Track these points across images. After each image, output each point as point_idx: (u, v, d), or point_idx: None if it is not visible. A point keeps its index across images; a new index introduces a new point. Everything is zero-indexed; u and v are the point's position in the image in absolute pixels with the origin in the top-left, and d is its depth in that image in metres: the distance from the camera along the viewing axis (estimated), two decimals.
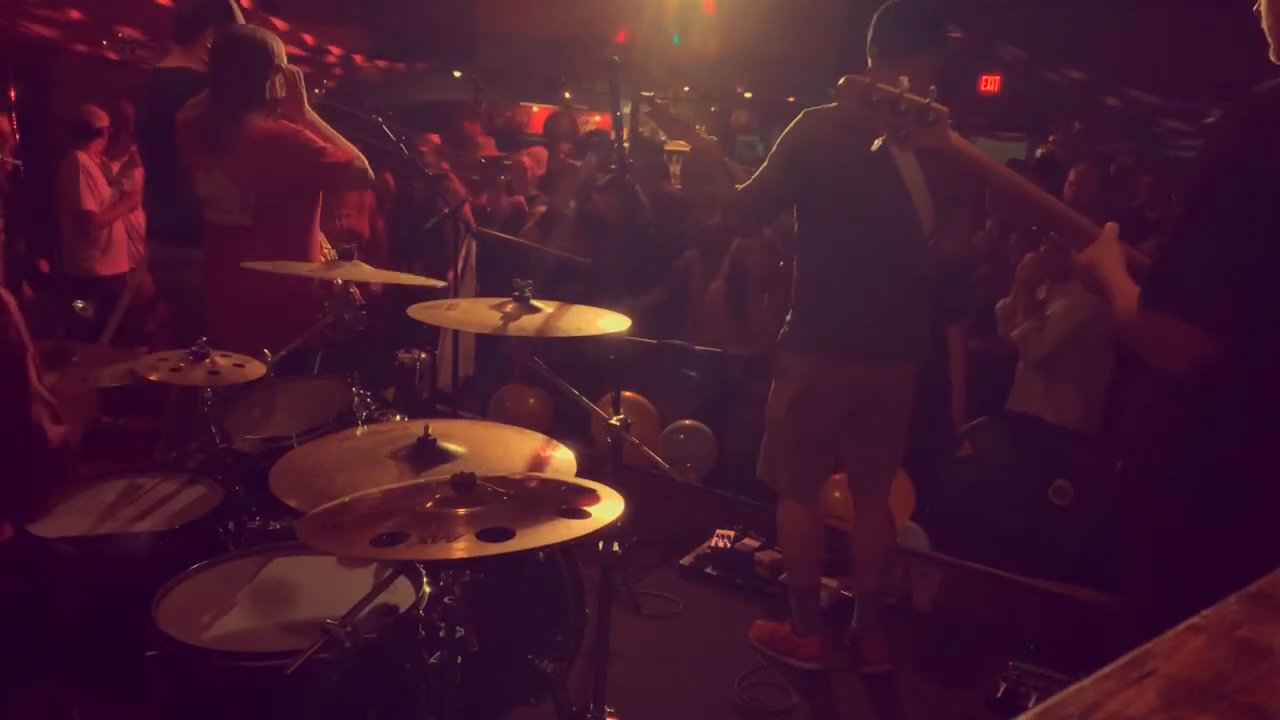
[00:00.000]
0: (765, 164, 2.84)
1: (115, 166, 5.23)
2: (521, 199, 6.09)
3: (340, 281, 2.80)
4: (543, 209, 5.64)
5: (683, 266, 5.35)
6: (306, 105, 3.08)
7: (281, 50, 3.03)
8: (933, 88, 1.70)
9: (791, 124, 2.80)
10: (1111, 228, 1.68)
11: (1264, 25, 1.53)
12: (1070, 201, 4.47)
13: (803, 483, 3.02)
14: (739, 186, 2.87)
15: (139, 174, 5.15)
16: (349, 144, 3.09)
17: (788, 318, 2.96)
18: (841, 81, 1.73)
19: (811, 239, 2.87)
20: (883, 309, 2.80)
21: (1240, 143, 1.40)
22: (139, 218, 5.04)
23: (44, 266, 4.66)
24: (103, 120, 5.16)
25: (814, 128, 2.75)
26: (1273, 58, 1.51)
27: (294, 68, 3.05)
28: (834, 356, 2.83)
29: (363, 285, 3.28)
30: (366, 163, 3.07)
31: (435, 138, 6.63)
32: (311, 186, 3.05)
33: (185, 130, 3.06)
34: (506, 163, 6.92)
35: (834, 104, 2.68)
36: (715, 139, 2.96)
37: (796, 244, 2.94)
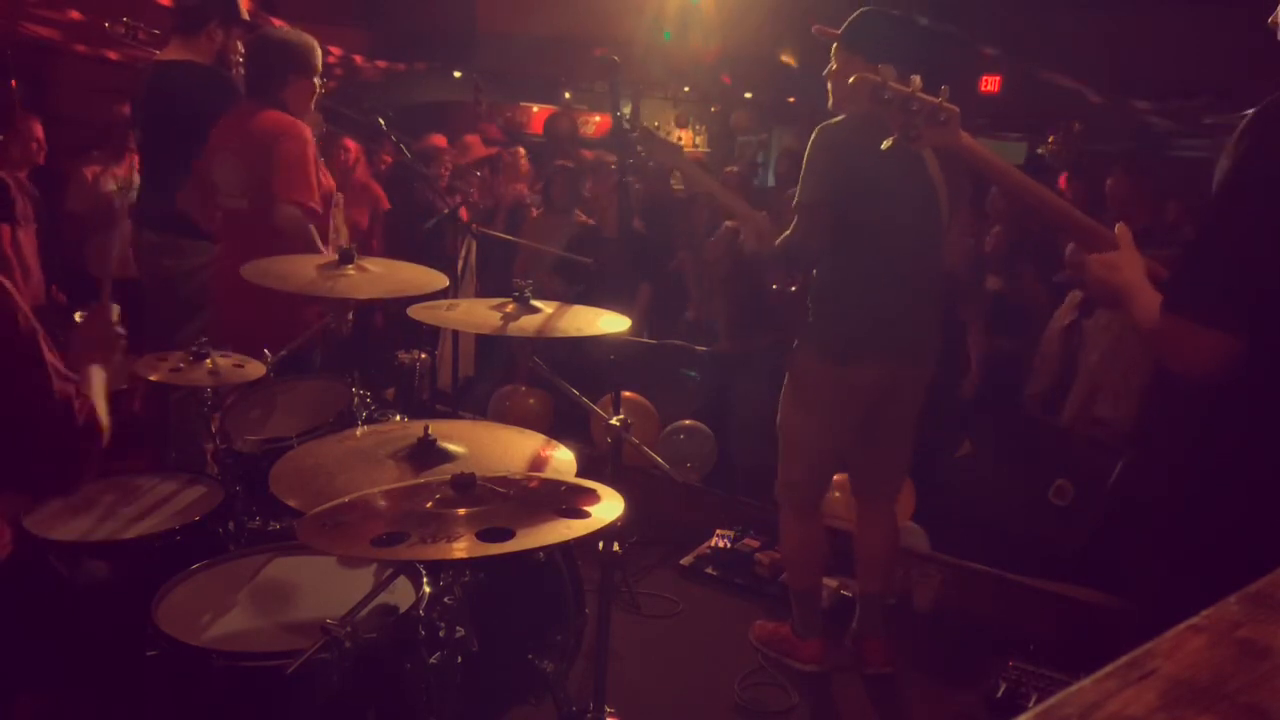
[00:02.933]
0: (802, 190, 2.73)
1: (119, 170, 5.21)
2: (523, 188, 6.06)
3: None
4: (537, 211, 5.64)
5: (676, 268, 5.36)
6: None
7: (313, 61, 3.09)
8: (945, 87, 1.70)
9: (813, 141, 2.73)
10: (1124, 231, 1.67)
11: None
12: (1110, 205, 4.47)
13: (815, 491, 3.01)
14: (783, 237, 2.78)
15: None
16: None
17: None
18: (853, 79, 1.73)
19: (841, 240, 2.77)
20: (908, 307, 2.77)
21: (1266, 147, 1.39)
22: None
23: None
24: (110, 124, 5.16)
25: (837, 137, 2.69)
26: None
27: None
28: (860, 357, 2.77)
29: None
30: (311, 235, 2.97)
31: (442, 140, 6.57)
32: (264, 185, 2.98)
33: (224, 121, 3.10)
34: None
35: (838, 117, 2.69)
36: (702, 168, 2.91)
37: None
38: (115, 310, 2.04)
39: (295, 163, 2.94)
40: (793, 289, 2.96)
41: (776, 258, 2.84)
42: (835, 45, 2.76)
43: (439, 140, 6.23)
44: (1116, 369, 3.71)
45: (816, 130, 2.74)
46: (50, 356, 1.56)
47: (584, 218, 5.35)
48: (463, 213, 4.79)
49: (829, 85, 2.80)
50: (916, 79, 1.68)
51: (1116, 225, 1.69)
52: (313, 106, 3.16)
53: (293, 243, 2.87)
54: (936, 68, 2.63)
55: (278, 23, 6.61)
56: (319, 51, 3.13)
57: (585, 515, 1.50)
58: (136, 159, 5.10)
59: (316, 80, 3.13)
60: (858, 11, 2.73)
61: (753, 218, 2.89)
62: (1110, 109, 7.68)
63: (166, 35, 3.54)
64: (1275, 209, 1.36)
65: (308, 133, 3.00)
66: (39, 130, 4.74)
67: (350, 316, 3.16)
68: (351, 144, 5.55)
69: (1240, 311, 1.39)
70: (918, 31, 2.71)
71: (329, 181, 3.16)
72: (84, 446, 1.62)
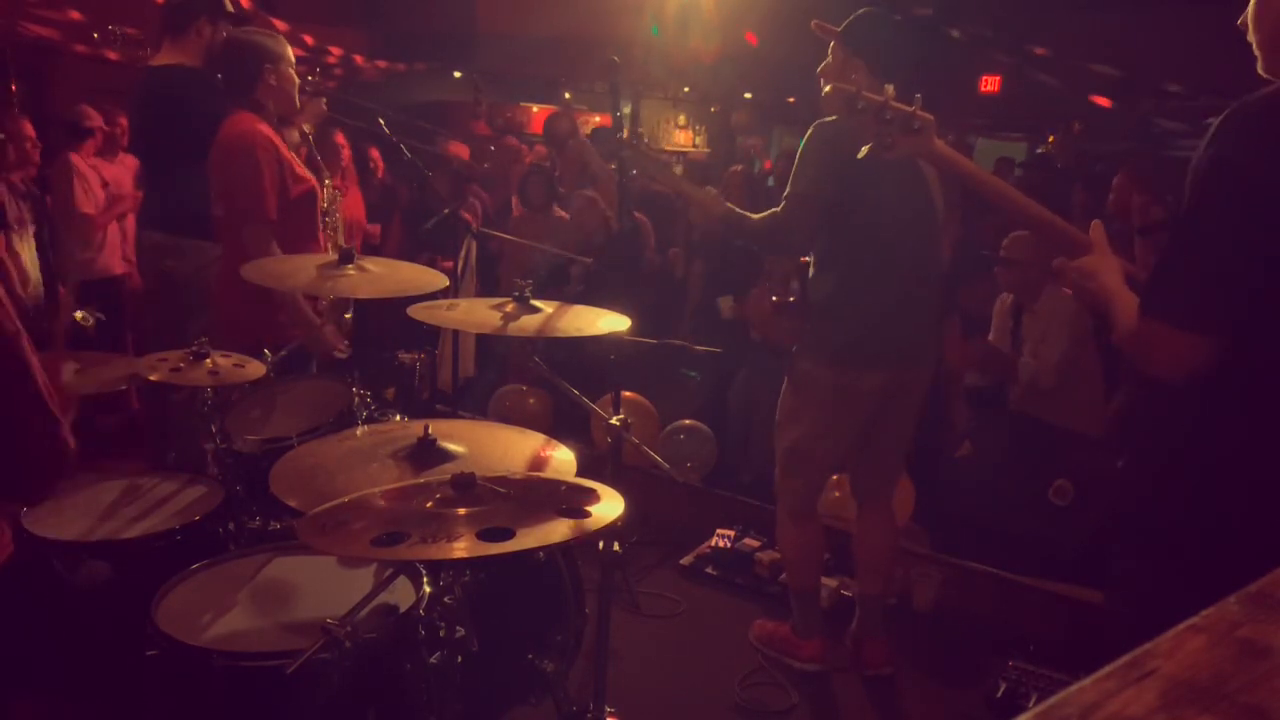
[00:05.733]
0: (796, 180, 2.72)
1: (108, 168, 5.20)
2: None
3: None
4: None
5: (669, 260, 5.36)
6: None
7: (279, 50, 3.06)
8: (918, 96, 1.69)
9: (809, 136, 2.71)
10: (1099, 234, 1.67)
11: (1250, 39, 1.52)
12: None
13: (814, 494, 3.00)
14: (759, 216, 2.78)
15: (127, 177, 5.14)
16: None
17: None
18: (827, 89, 1.72)
19: (841, 243, 2.77)
20: (908, 310, 2.76)
21: (1236, 149, 1.39)
22: (130, 220, 4.99)
23: None
24: (95, 120, 5.13)
25: (834, 134, 2.66)
26: (1261, 71, 1.51)
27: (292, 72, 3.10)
28: (865, 361, 2.76)
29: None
30: (269, 248, 2.95)
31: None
32: (228, 203, 3.03)
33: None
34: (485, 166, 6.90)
35: (834, 116, 2.67)
36: (686, 180, 2.92)
37: (819, 251, 2.84)
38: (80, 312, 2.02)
39: (250, 178, 2.95)
40: (791, 300, 2.96)
41: (754, 235, 2.84)
42: (833, 43, 2.75)
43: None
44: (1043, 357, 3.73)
45: (814, 126, 2.73)
46: (35, 360, 1.54)
47: (562, 213, 5.37)
48: (469, 216, 4.80)
49: (821, 81, 2.77)
50: (890, 88, 1.68)
51: (1091, 227, 1.68)
52: (295, 95, 3.13)
53: (256, 253, 2.89)
54: (937, 67, 2.64)
55: (277, 23, 6.63)
56: (284, 41, 3.11)
57: (585, 515, 1.49)
58: (101, 162, 5.12)
59: (291, 70, 3.10)
60: (859, 11, 2.72)
61: (703, 197, 2.90)
62: (1110, 110, 7.68)
63: (158, 38, 3.56)
64: (1248, 209, 1.36)
65: (260, 140, 2.96)
66: (30, 130, 4.71)
67: (348, 315, 3.16)
68: (343, 140, 5.52)
69: (1217, 313, 1.38)
70: (917, 34, 2.70)
71: (307, 176, 3.12)
72: (59, 454, 1.58)
